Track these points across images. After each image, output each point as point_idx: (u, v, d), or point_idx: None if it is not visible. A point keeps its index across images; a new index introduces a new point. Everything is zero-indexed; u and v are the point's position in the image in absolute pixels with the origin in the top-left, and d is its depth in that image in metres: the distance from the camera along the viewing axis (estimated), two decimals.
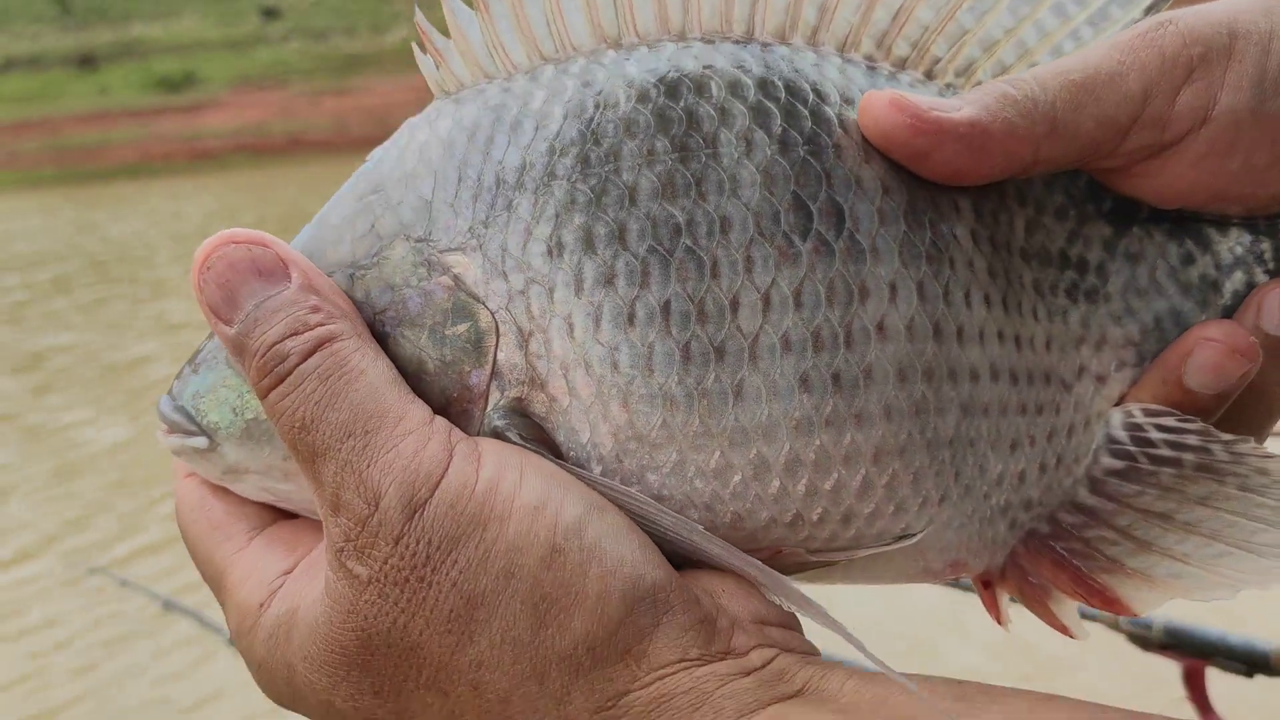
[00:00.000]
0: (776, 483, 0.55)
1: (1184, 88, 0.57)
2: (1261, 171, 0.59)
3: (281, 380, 0.52)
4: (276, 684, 0.55)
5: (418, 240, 0.58)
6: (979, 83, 0.62)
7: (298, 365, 0.52)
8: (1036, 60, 0.62)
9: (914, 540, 0.58)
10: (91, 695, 3.84)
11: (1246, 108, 0.57)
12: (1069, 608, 0.61)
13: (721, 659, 0.50)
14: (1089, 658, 3.00)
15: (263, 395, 0.53)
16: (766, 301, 0.55)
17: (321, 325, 0.53)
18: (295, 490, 0.59)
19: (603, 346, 0.55)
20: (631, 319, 0.55)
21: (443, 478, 0.50)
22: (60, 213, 27.00)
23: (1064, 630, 0.61)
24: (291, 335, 0.53)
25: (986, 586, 0.63)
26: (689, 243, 0.56)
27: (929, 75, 0.62)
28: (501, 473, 0.51)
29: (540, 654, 0.50)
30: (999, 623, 0.63)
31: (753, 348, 0.55)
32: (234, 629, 0.57)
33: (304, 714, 0.55)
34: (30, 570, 4.91)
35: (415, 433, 0.51)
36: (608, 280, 0.55)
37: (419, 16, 0.61)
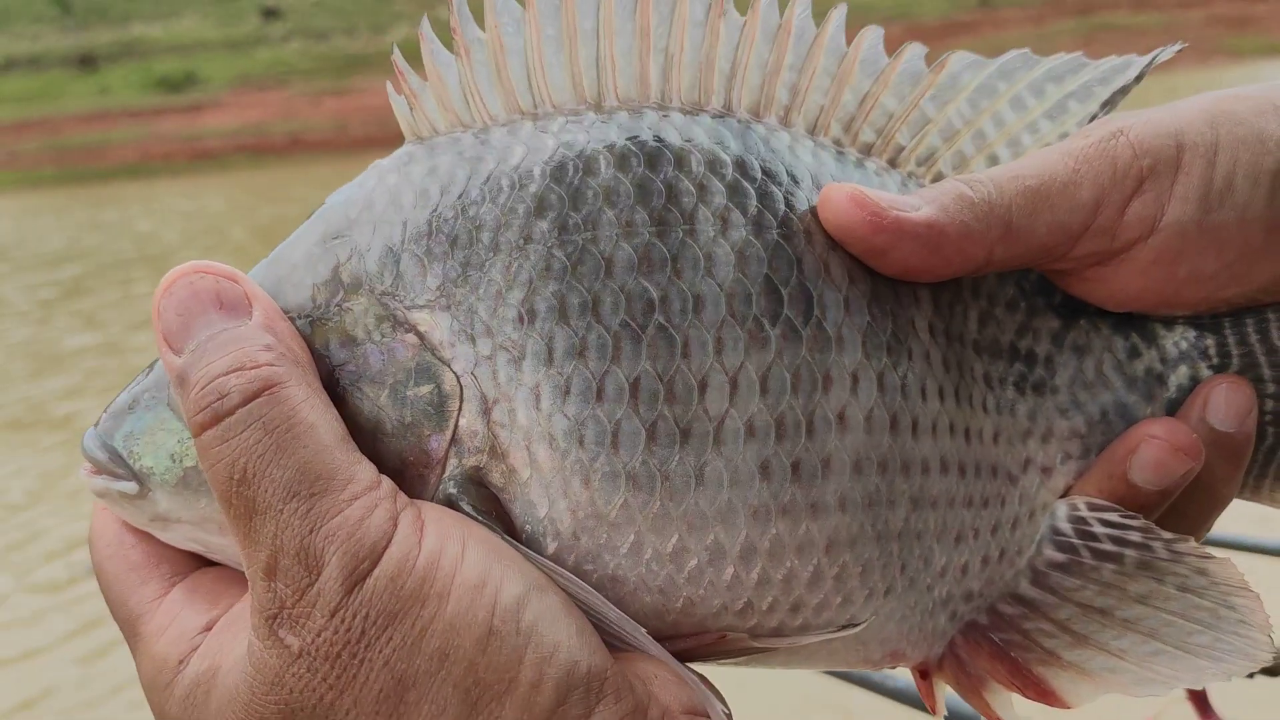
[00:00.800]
0: (731, 570, 0.55)
1: (1134, 199, 0.59)
2: (1208, 279, 0.61)
3: (218, 420, 0.50)
4: None
5: (383, 294, 0.56)
6: (939, 174, 0.63)
7: (238, 407, 0.50)
8: (995, 151, 0.63)
9: (857, 630, 0.58)
10: (91, 694, 3.84)
11: (1192, 219, 0.59)
12: (1004, 699, 0.62)
13: None
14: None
15: (196, 431, 0.50)
16: (734, 385, 0.55)
17: (270, 366, 0.51)
18: (229, 545, 0.56)
19: (569, 420, 0.54)
20: (600, 394, 0.54)
21: (386, 549, 0.48)
22: (71, 212, 26.98)
23: None
24: (236, 371, 0.50)
25: (924, 676, 0.64)
26: (662, 319, 0.55)
27: (892, 163, 0.63)
28: (444, 545, 0.49)
29: None
30: (933, 712, 0.64)
31: (718, 431, 0.54)
32: (147, 681, 0.54)
33: None
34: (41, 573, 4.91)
35: (362, 499, 0.49)
36: (578, 353, 0.54)
37: (396, 54, 0.60)
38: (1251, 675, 1.44)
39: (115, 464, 0.57)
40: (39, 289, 13.66)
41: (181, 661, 0.53)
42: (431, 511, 0.51)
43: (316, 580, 0.48)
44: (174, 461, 0.56)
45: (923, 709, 1.40)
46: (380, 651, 0.47)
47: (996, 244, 0.58)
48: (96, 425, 0.58)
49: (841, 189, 0.57)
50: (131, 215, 24.18)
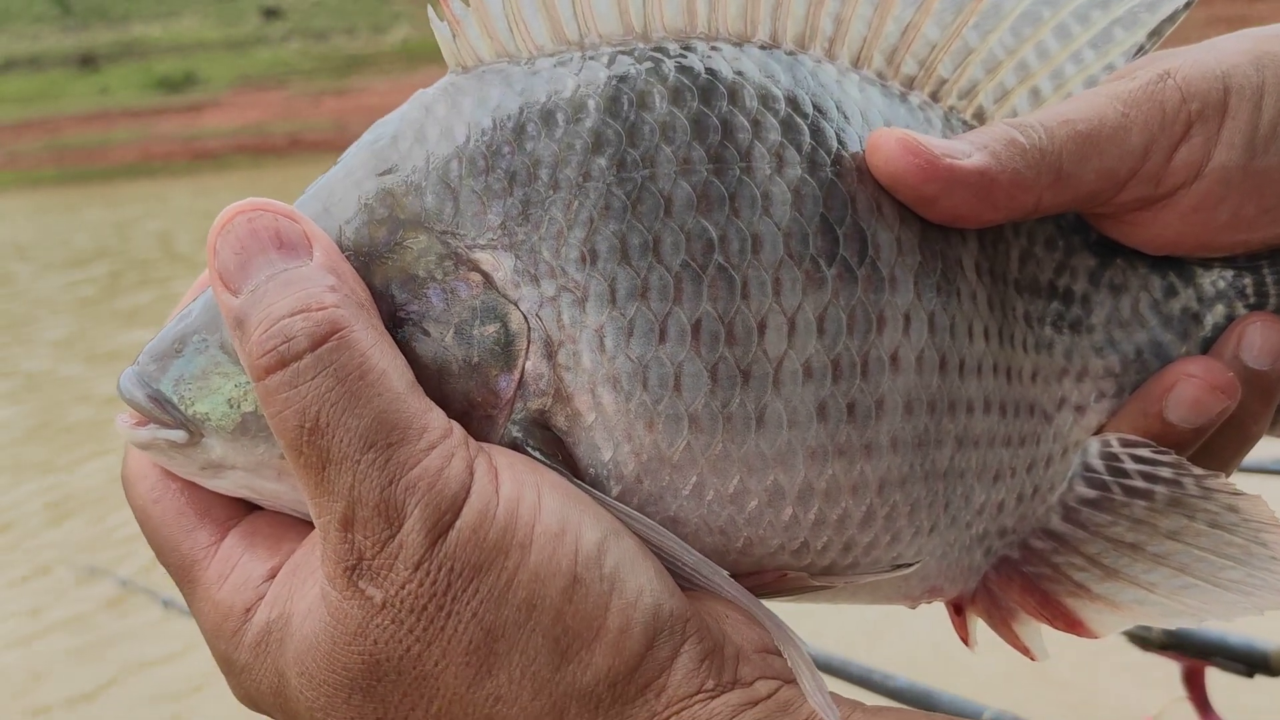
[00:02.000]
0: (789, 510, 0.55)
1: (1181, 144, 0.58)
2: (1247, 223, 0.60)
3: (284, 364, 0.47)
4: (260, 690, 0.52)
5: (443, 231, 0.54)
6: (980, 107, 0.62)
7: (306, 351, 0.47)
8: (1037, 83, 0.62)
9: (910, 570, 0.59)
10: (90, 693, 3.84)
11: (1238, 164, 0.58)
12: (1033, 629, 0.62)
13: (731, 689, 0.50)
14: (1089, 657, 3.00)
15: (259, 376, 0.48)
16: (792, 326, 0.54)
17: (336, 309, 0.48)
18: (286, 491, 0.54)
19: (632, 363, 0.53)
20: (663, 335, 0.53)
21: (466, 500, 0.47)
22: (80, 211, 27.07)
23: (1026, 652, 0.63)
24: (301, 312, 0.48)
25: (958, 611, 0.64)
26: (721, 260, 0.54)
27: (934, 96, 0.62)
28: (521, 493, 0.49)
29: (561, 690, 0.48)
30: (967, 644, 0.64)
31: (776, 373, 0.54)
32: (210, 628, 0.53)
33: None
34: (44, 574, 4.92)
35: (439, 447, 0.48)
36: (641, 294, 0.53)
37: None
38: (1251, 675, 1.44)
39: (163, 410, 0.54)
40: (77, 287, 13.67)
41: (249, 609, 0.52)
42: (502, 458, 0.50)
43: (398, 532, 0.47)
44: (231, 407, 0.53)
45: (925, 708, 1.40)
46: (468, 604, 0.47)
47: (1046, 191, 0.57)
48: (134, 367, 0.55)
49: (891, 134, 0.56)
50: (142, 214, 24.27)
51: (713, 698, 0.49)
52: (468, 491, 0.47)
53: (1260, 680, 1.43)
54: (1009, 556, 0.63)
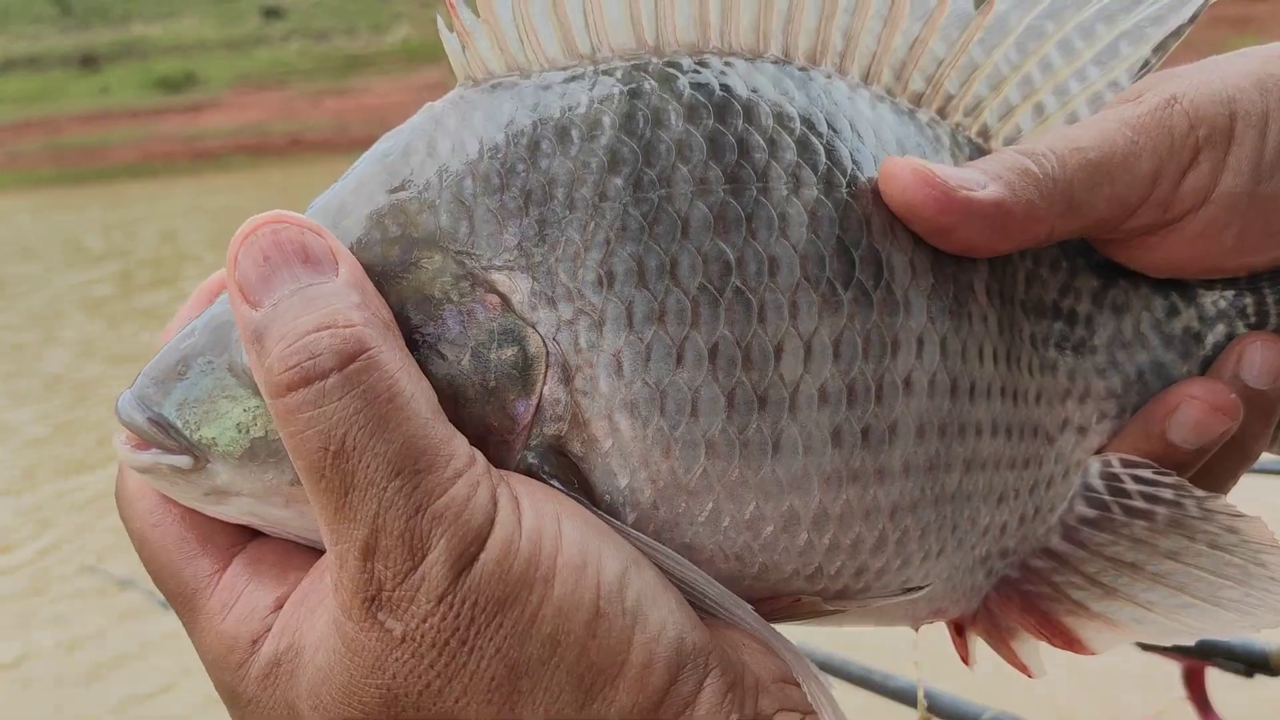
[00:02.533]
0: (804, 536, 0.55)
1: (1189, 171, 0.59)
2: (1252, 246, 0.61)
3: (308, 381, 0.46)
4: None
5: (458, 251, 0.52)
6: (985, 125, 0.62)
7: (333, 370, 0.45)
8: (1041, 100, 0.62)
9: (922, 594, 0.59)
10: (90, 693, 3.84)
11: (1244, 190, 0.59)
12: (1031, 647, 0.63)
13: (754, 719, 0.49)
14: (1089, 657, 2.99)
15: (279, 392, 0.46)
16: (808, 350, 0.54)
17: (364, 327, 0.47)
18: (293, 518, 0.53)
19: (649, 388, 0.52)
20: (680, 360, 0.52)
21: (490, 532, 0.46)
22: (83, 211, 27.06)
23: (1024, 670, 0.63)
24: (327, 329, 0.46)
25: (959, 632, 0.65)
26: (738, 283, 0.53)
27: (941, 113, 0.62)
28: (542, 524, 0.47)
29: None
30: (966, 664, 0.65)
31: (793, 397, 0.54)
32: (214, 659, 0.51)
33: None
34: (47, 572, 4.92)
35: (464, 476, 0.47)
36: (658, 318, 0.52)
37: None
38: (1251, 675, 1.44)
39: (166, 435, 0.52)
40: (91, 286, 13.64)
41: (255, 641, 0.50)
42: (521, 486, 0.49)
43: (421, 564, 0.45)
44: (239, 432, 0.51)
45: (925, 709, 1.40)
46: (491, 640, 0.46)
47: (1059, 220, 0.58)
48: (133, 389, 0.53)
49: (907, 164, 0.56)
50: (145, 214, 24.27)
51: None
52: (492, 523, 0.46)
53: (1260, 680, 1.43)
54: (1009, 576, 0.63)
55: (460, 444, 0.48)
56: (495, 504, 0.47)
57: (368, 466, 0.45)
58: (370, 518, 0.45)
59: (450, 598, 0.45)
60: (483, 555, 0.46)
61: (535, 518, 0.47)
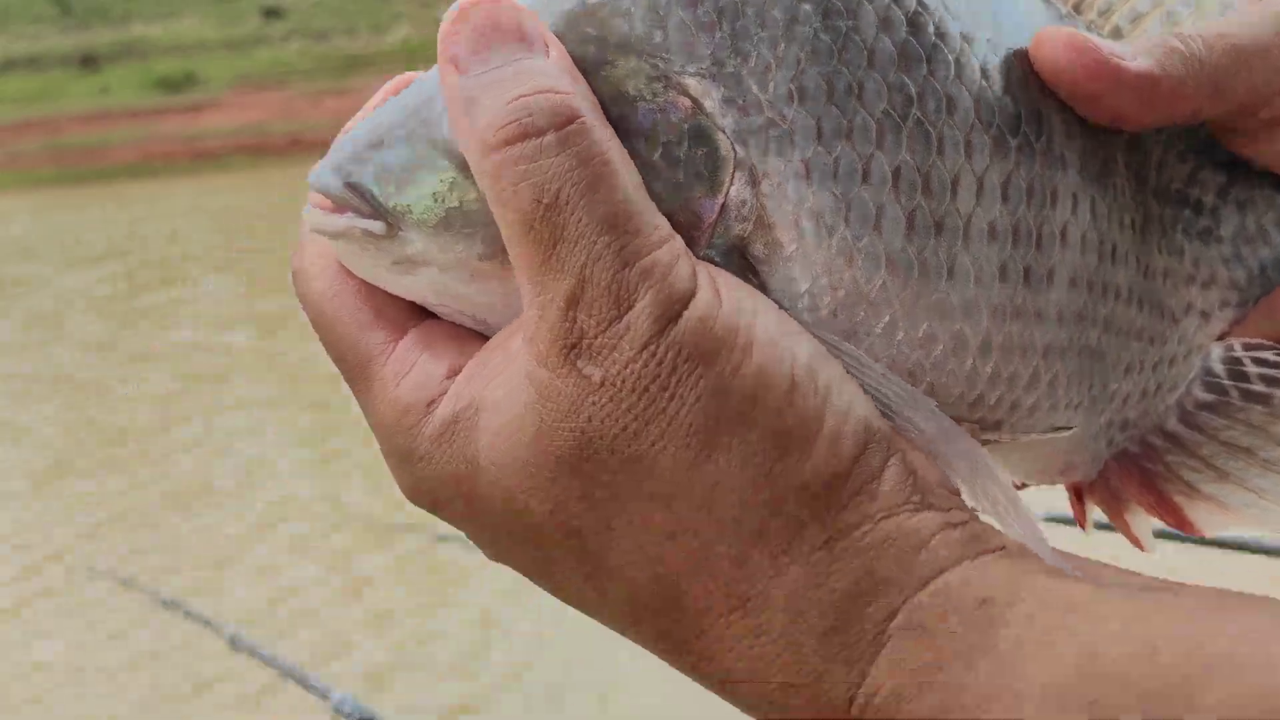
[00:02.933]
0: (970, 361, 0.56)
1: None
2: None
3: (525, 136, 0.47)
4: (440, 478, 0.51)
5: (652, 56, 0.53)
6: (1116, 26, 0.64)
7: (548, 129, 0.47)
8: (1171, 8, 0.64)
9: (1070, 433, 0.60)
10: (90, 694, 3.85)
11: None
12: (1144, 521, 0.64)
13: (930, 509, 0.50)
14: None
15: (494, 147, 0.47)
16: (980, 187, 0.56)
17: (578, 98, 0.49)
18: (476, 293, 0.53)
19: (835, 198, 0.53)
20: (866, 176, 0.54)
21: (694, 295, 0.47)
22: (84, 211, 27.11)
23: (1137, 543, 0.65)
24: (542, 92, 0.48)
25: (1079, 496, 0.67)
26: (919, 114, 0.55)
27: (1076, 9, 0.64)
28: (739, 302, 0.49)
29: (781, 484, 0.48)
30: (1082, 527, 0.67)
31: (966, 228, 0.55)
32: (388, 423, 0.52)
33: (464, 515, 0.52)
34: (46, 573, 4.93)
35: (668, 243, 0.48)
36: (846, 134, 0.54)
37: None
38: None
39: (362, 201, 0.53)
40: (97, 286, 13.69)
41: (431, 403, 0.51)
42: (721, 273, 0.51)
43: (626, 314, 0.46)
44: (435, 201, 0.52)
45: None
46: (693, 389, 0.47)
47: (1204, 101, 0.59)
48: (328, 159, 0.55)
49: (1059, 31, 0.58)
50: (147, 214, 24.27)
51: (918, 510, 0.49)
52: (695, 288, 0.47)
53: None
54: (1128, 450, 0.65)
55: (663, 220, 0.49)
56: (696, 274, 0.48)
57: (579, 220, 0.46)
58: (578, 268, 0.46)
59: (654, 346, 0.46)
60: (686, 313, 0.47)
61: (733, 294, 0.49)
